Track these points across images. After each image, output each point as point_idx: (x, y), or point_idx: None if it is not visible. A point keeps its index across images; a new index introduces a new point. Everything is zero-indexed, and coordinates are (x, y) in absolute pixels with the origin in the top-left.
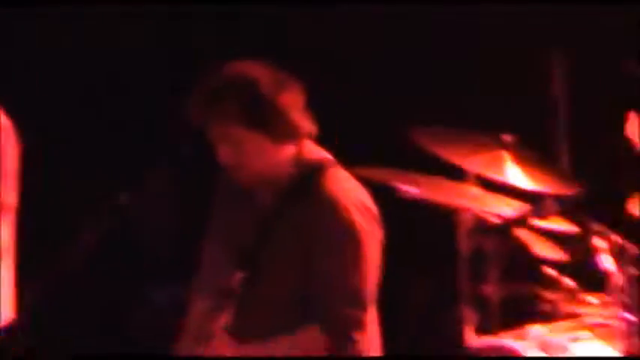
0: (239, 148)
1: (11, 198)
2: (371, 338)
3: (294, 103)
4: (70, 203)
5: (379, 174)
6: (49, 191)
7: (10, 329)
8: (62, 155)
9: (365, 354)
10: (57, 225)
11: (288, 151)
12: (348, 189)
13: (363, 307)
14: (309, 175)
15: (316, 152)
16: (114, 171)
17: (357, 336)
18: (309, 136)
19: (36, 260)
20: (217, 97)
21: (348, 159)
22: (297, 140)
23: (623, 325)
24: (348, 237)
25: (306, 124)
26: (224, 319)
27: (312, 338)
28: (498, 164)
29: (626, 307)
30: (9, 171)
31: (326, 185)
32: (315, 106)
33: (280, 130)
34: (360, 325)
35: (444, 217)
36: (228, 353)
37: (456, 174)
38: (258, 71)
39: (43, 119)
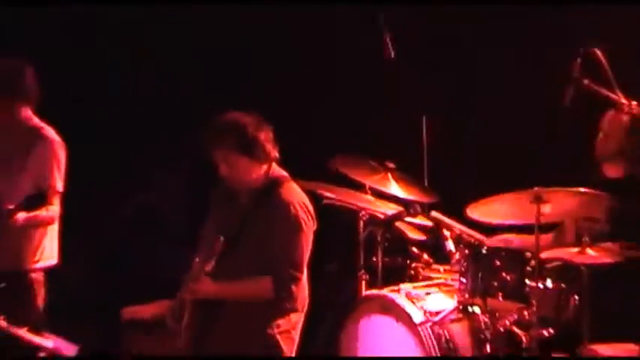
0: (233, 167)
1: (60, 185)
2: (303, 290)
3: (267, 138)
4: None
5: (312, 185)
6: (80, 184)
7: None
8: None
9: (296, 299)
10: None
11: (262, 169)
12: (296, 195)
13: (300, 269)
14: (273, 185)
15: (278, 171)
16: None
17: (294, 288)
18: (275, 160)
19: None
20: (220, 134)
21: (295, 174)
22: (267, 162)
23: (458, 285)
24: (294, 226)
25: (274, 152)
26: (209, 268)
27: (263, 284)
28: (385, 181)
29: (461, 274)
30: (61, 168)
31: (282, 193)
32: (278, 139)
33: (259, 156)
34: (296, 281)
35: (350, 214)
36: (207, 287)
37: (358, 186)
38: (246, 118)
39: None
